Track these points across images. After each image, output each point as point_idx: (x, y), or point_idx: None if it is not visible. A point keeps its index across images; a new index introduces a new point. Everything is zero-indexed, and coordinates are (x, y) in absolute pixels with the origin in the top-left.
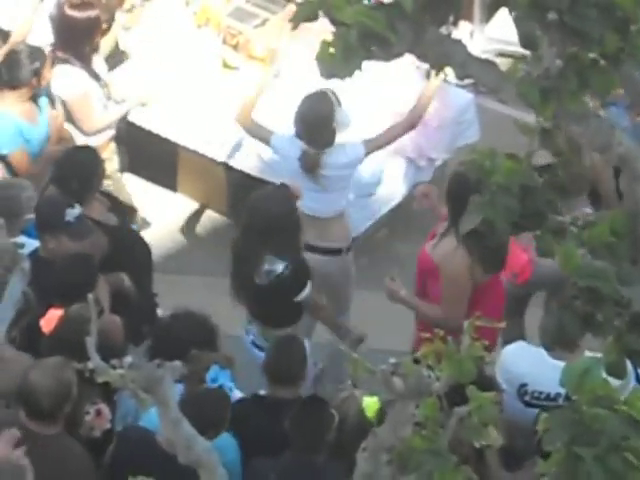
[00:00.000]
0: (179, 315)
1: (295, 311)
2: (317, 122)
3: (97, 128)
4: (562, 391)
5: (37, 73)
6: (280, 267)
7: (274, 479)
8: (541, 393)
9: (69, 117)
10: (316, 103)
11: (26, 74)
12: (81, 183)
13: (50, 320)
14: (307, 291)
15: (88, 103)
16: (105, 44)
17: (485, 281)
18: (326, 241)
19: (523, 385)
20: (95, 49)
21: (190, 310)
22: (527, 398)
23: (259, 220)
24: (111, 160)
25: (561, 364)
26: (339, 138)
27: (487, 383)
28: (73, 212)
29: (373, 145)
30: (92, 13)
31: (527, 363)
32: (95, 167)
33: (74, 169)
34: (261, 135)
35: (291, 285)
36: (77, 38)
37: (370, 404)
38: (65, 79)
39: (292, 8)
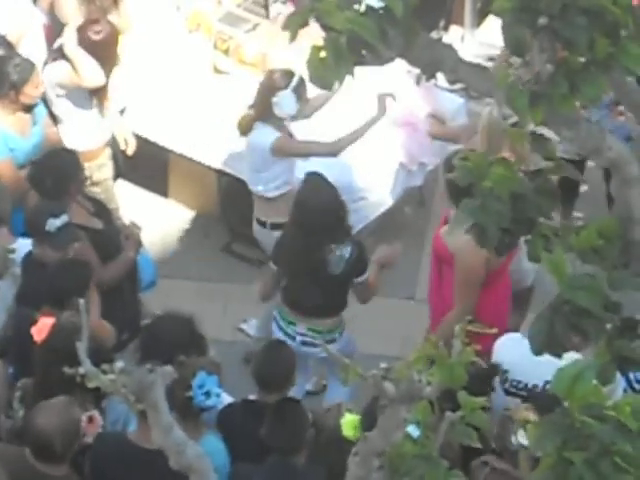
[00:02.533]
0: (164, 317)
1: (346, 299)
2: (263, 86)
3: (95, 76)
4: (540, 383)
5: (15, 86)
6: (347, 252)
7: None
8: (519, 382)
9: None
10: (273, 71)
11: (2, 85)
12: (55, 185)
13: (41, 329)
14: (368, 271)
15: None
16: None
17: (496, 268)
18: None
19: (505, 372)
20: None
21: (175, 312)
22: (507, 385)
23: (313, 216)
24: (105, 166)
25: (542, 359)
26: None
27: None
28: (54, 222)
29: (281, 145)
30: (110, 28)
31: (512, 353)
32: (72, 171)
33: (49, 170)
34: None
35: (359, 266)
36: (103, 56)
37: (350, 421)
38: (51, 68)
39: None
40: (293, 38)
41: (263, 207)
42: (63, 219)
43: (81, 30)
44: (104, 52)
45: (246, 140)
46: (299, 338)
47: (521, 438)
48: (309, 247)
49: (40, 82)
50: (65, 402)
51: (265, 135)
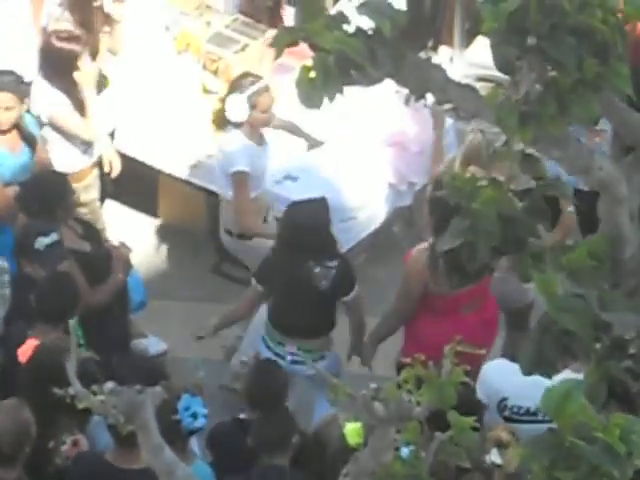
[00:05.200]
0: (123, 360)
1: (334, 319)
2: (228, 86)
3: (91, 130)
4: None
5: None
6: (333, 269)
7: None
8: (520, 408)
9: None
10: (243, 75)
11: None
12: (41, 208)
13: (27, 350)
14: (356, 289)
15: (72, 113)
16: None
17: (458, 294)
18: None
19: (503, 400)
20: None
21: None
22: (507, 413)
23: (299, 232)
24: (92, 187)
25: (541, 379)
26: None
27: (473, 405)
28: (43, 240)
29: (237, 185)
30: (75, 47)
31: (507, 378)
32: (60, 195)
33: (36, 193)
34: None
35: (345, 284)
36: (59, 69)
37: (353, 429)
38: (42, 97)
39: (272, 34)
40: (279, 55)
41: (231, 215)
42: (52, 237)
43: (47, 33)
44: (61, 63)
45: (219, 141)
46: (289, 357)
47: (494, 457)
48: (295, 264)
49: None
50: (14, 404)
51: (233, 147)
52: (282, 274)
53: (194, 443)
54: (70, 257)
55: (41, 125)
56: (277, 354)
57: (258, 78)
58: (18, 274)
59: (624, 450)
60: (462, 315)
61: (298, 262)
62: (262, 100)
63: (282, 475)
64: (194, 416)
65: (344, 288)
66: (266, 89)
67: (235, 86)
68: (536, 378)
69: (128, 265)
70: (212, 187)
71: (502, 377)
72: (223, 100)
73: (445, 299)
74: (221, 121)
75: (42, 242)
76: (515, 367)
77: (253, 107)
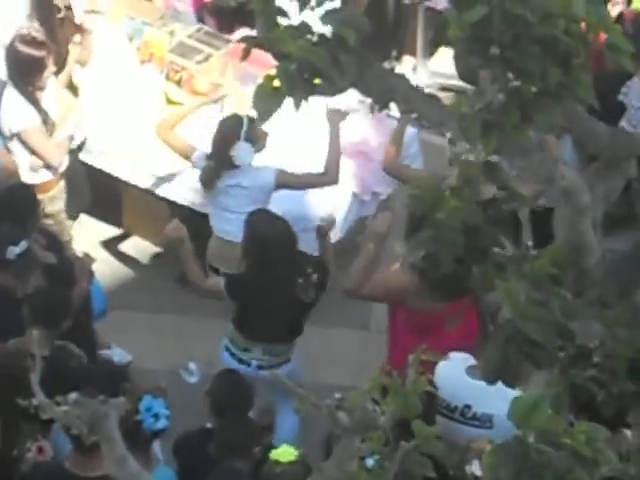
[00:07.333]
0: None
1: (303, 325)
2: (217, 138)
3: (58, 157)
4: (459, 405)
5: None
6: (314, 276)
7: None
8: (444, 401)
9: (29, 148)
10: (225, 122)
11: None
12: (13, 220)
13: None
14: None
15: (43, 132)
16: (61, 79)
17: (441, 310)
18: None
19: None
20: (41, 88)
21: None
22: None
23: (274, 250)
24: (58, 199)
25: (475, 383)
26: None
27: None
28: (14, 250)
29: (284, 180)
30: (37, 53)
31: (446, 372)
32: (29, 209)
33: (9, 209)
34: (181, 149)
35: (324, 282)
36: (21, 74)
37: (282, 452)
38: (13, 110)
39: (234, 44)
40: (245, 57)
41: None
42: (22, 246)
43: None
44: (25, 69)
45: (237, 182)
46: (255, 363)
47: (475, 469)
48: (278, 282)
49: None
50: None
51: (260, 174)
52: (260, 288)
53: (158, 449)
54: (40, 264)
55: (5, 136)
56: (241, 360)
57: (239, 118)
58: None
59: (590, 455)
60: (446, 330)
61: (278, 276)
62: (259, 134)
63: (239, 478)
64: (156, 417)
65: (323, 290)
66: (256, 126)
67: (227, 137)
68: (469, 381)
69: (91, 275)
70: (176, 198)
71: (443, 370)
72: (213, 168)
73: (428, 316)
74: (214, 179)
75: (13, 251)
76: (459, 365)
77: (255, 142)
